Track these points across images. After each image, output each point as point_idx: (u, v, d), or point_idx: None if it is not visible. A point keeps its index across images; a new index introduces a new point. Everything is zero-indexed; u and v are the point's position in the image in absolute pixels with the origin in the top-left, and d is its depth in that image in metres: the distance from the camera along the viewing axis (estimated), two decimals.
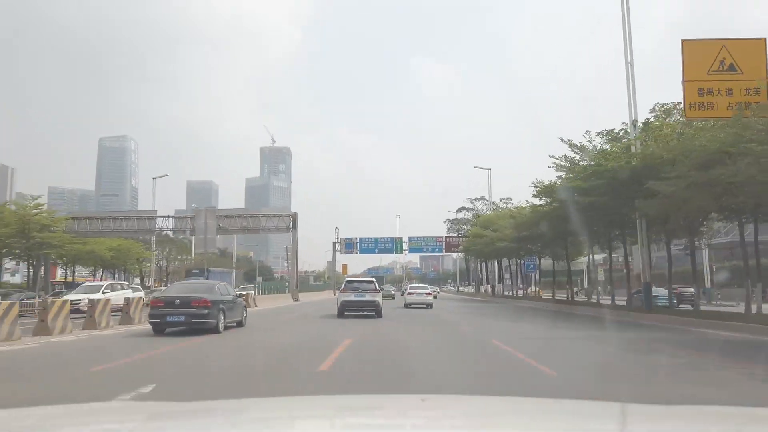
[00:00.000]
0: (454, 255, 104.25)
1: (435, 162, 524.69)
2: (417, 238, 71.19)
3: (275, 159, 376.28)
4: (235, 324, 16.58)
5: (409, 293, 33.52)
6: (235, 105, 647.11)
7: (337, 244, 71.66)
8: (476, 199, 74.11)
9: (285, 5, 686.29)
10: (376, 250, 70.84)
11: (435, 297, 40.46)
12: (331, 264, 73.58)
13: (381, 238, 71.17)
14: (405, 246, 71.10)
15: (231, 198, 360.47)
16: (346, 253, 71.10)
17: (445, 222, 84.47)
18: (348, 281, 23.94)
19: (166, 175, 65.40)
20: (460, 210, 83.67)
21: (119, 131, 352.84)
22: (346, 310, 21.58)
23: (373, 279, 25.77)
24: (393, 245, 70.82)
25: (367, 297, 21.63)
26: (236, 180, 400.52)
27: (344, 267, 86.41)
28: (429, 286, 43.08)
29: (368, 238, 71.34)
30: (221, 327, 14.87)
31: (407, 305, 31.39)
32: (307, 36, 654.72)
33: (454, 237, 73.54)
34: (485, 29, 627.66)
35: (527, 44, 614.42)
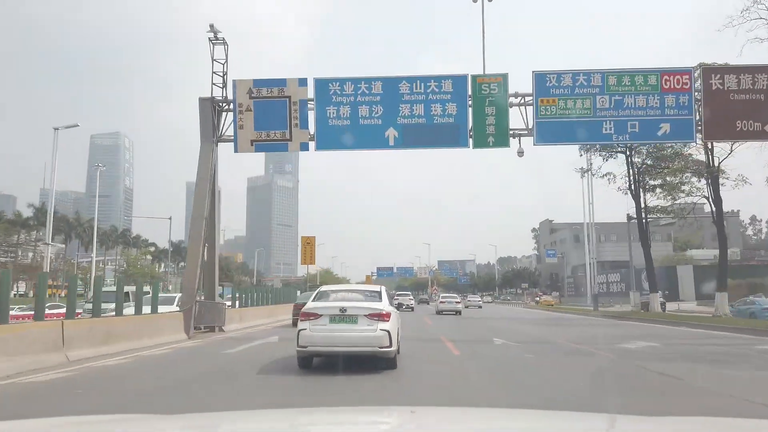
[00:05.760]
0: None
1: (451, 168, 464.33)
2: None
3: (281, 158, 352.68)
4: None
5: (441, 302, 40.14)
6: None
7: (224, 116, 19.38)
8: None
9: (292, 2, 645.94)
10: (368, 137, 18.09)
11: (480, 307, 54.63)
12: (212, 212, 19.59)
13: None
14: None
15: (233, 198, 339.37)
16: (262, 142, 18.64)
17: None
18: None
19: (77, 125, 39.87)
20: None
21: (113, 129, 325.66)
22: None
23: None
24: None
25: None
26: (239, 179, 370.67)
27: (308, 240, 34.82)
28: (465, 296, 69.02)
29: (344, 75, 18.76)
30: None
31: (439, 312, 37.66)
32: (315, 33, 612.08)
33: None
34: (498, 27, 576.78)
35: (541, 43, 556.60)
